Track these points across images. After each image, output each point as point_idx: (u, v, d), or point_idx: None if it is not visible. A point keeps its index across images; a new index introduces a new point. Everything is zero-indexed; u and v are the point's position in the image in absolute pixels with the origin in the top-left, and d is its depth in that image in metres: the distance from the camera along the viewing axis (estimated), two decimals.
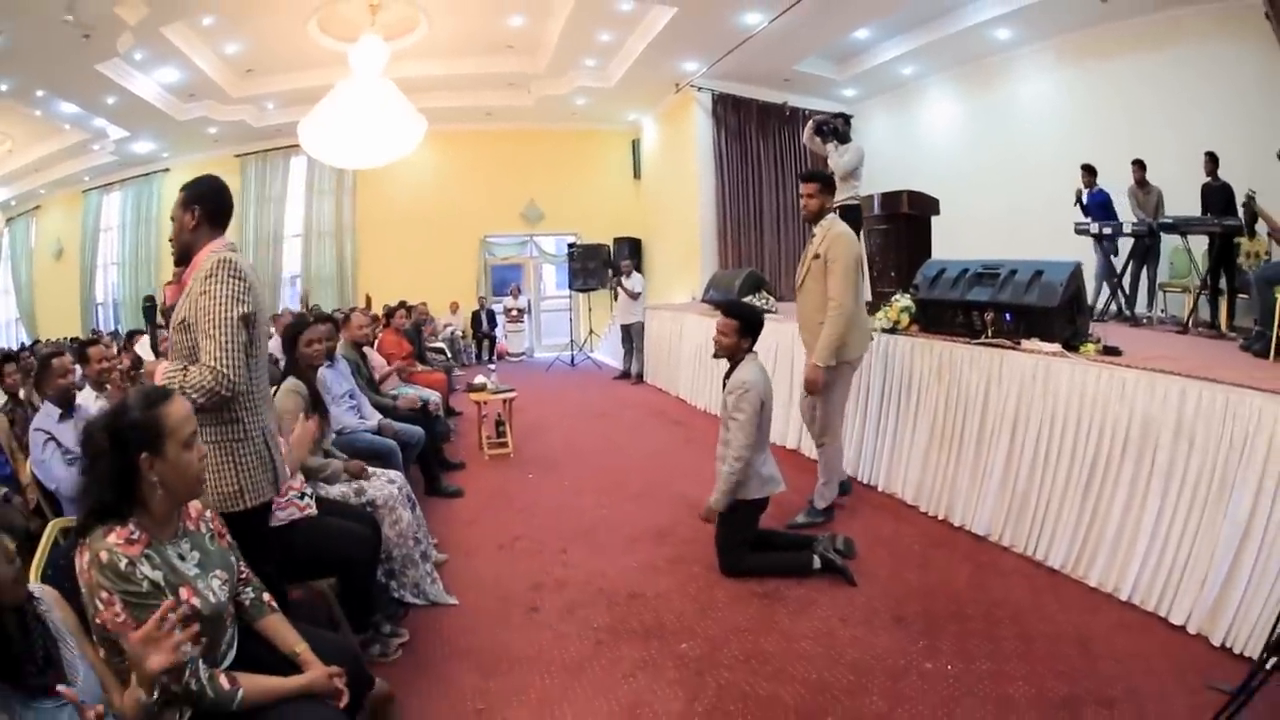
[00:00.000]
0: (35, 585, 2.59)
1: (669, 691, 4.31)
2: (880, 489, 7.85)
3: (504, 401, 10.12)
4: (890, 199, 9.29)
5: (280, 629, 3.18)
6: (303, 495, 4.46)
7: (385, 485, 5.65)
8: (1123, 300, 10.64)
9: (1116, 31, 12.94)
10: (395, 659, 4.80)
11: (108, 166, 21.42)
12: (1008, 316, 6.67)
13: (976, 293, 7.03)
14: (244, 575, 3.22)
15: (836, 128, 10.37)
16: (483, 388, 10.08)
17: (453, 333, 20.12)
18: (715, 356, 6.14)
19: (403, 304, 13.83)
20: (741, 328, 5.89)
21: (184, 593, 2.72)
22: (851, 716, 4.01)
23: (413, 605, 5.44)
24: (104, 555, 2.56)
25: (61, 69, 14.40)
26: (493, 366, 12.84)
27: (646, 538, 6.82)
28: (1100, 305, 10.79)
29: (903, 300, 7.81)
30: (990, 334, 6.73)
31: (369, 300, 19.03)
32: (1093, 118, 13.43)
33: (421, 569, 5.59)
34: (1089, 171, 11.97)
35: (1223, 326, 9.07)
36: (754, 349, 5.99)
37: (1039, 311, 6.37)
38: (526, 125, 21.18)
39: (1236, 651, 4.26)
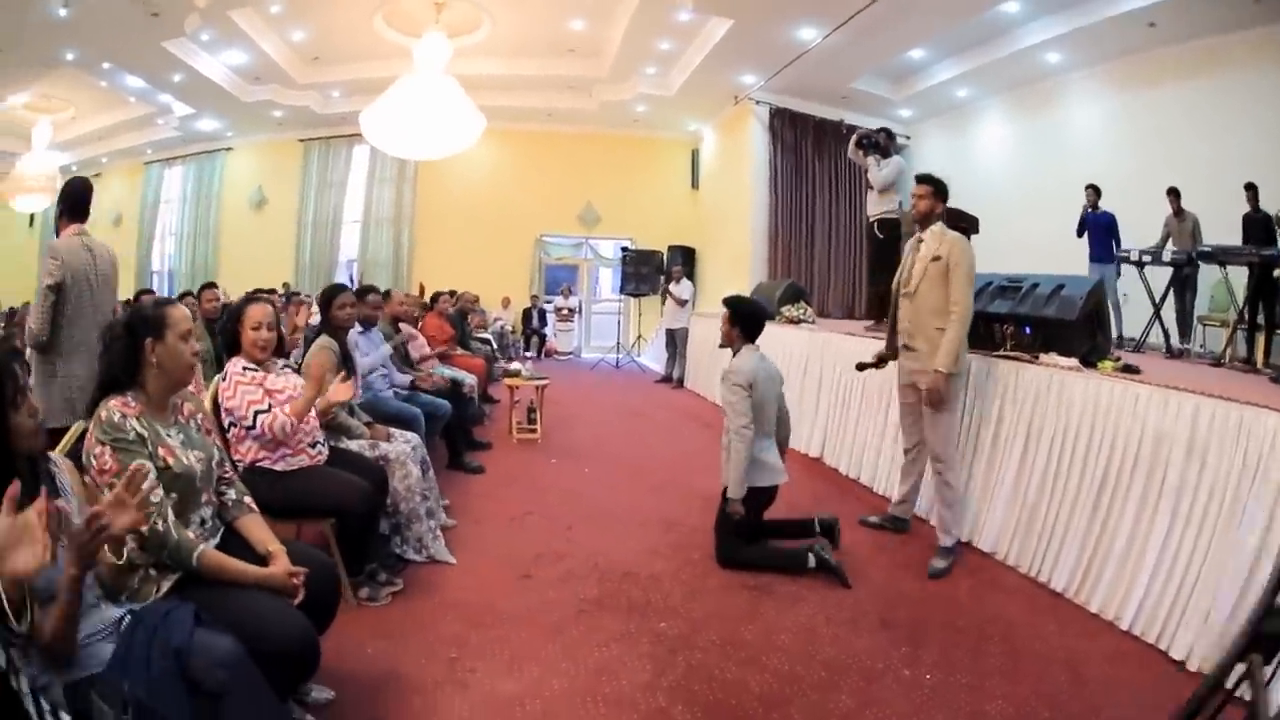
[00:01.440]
0: (53, 454, 2.86)
1: (638, 664, 4.28)
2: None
3: (536, 388, 10.16)
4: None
5: (256, 528, 3.40)
6: (315, 444, 4.85)
7: (400, 444, 5.76)
8: (1163, 332, 10.08)
9: (1162, 58, 12.80)
10: (384, 604, 4.91)
11: (170, 141, 22.03)
12: (1026, 329, 6.57)
13: (998, 305, 6.90)
14: (227, 475, 3.50)
15: (878, 141, 10.52)
16: (517, 373, 10.19)
17: (502, 326, 20.02)
18: (721, 346, 6.23)
19: (451, 292, 14.04)
20: (731, 318, 6.03)
21: (161, 451, 3.03)
22: (816, 711, 3.91)
23: (413, 561, 5.57)
24: (103, 414, 2.95)
25: (128, 44, 14.86)
26: (529, 354, 12.79)
27: (654, 524, 6.82)
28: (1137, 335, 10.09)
29: None
30: (1009, 346, 6.61)
31: (422, 288, 18.12)
32: (1135, 144, 13.27)
33: (426, 524, 5.71)
34: (1094, 191, 11.99)
35: (1259, 362, 8.61)
36: (754, 343, 6.03)
37: (1057, 325, 6.27)
38: (587, 129, 21.37)
39: (1238, 695, 3.70)
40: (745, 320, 6.03)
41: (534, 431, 10.10)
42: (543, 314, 22.01)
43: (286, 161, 22.04)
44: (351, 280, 20.48)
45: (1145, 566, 4.83)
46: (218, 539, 3.27)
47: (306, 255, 21.95)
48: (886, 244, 10.22)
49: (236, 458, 4.57)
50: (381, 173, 21.76)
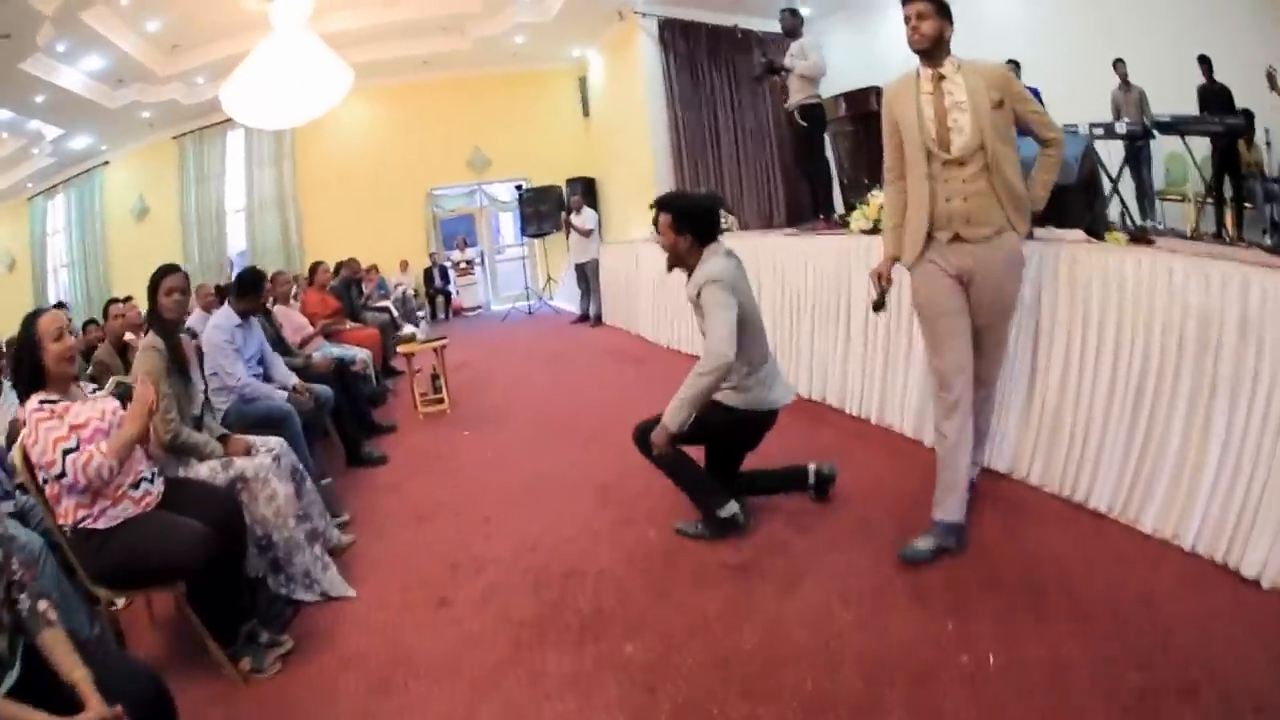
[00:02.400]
0: None
1: (604, 717, 3.13)
2: (873, 421, 6.76)
3: (435, 351, 8.98)
4: (857, 98, 8.54)
5: (56, 650, 2.61)
6: (139, 484, 3.78)
7: (261, 457, 4.65)
8: (1123, 210, 9.18)
9: None
10: (273, 673, 3.83)
11: (48, 170, 20.51)
12: None
13: None
14: (16, 577, 2.66)
15: (773, 65, 10.09)
16: (411, 338, 9.18)
17: (404, 291, 18.85)
18: (668, 269, 4.99)
19: (339, 264, 13.09)
20: (676, 221, 4.68)
21: None
22: None
23: (303, 603, 4.48)
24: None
25: None
26: (430, 317, 11.53)
27: (588, 495, 5.73)
28: None
29: (878, 196, 6.51)
30: None
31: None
32: (1065, 17, 12.18)
33: (309, 553, 4.61)
34: (1012, 66, 10.23)
35: (1228, 237, 7.95)
36: (715, 241, 4.76)
37: (1054, 192, 4.73)
38: (465, 72, 19.95)
39: None
40: (692, 218, 4.72)
41: (441, 402, 8.97)
42: (444, 271, 20.93)
43: (163, 164, 20.57)
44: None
45: (1205, 474, 3.94)
46: (15, 674, 2.53)
47: (195, 256, 20.55)
48: (813, 132, 9.55)
49: (60, 521, 3.62)
50: (259, 155, 20.45)
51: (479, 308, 21.16)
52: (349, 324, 10.34)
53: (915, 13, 4.35)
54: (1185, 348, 4.07)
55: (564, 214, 16.40)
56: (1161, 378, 4.20)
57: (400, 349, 9.29)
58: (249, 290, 6.51)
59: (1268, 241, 6.35)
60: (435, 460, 7.11)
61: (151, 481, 3.87)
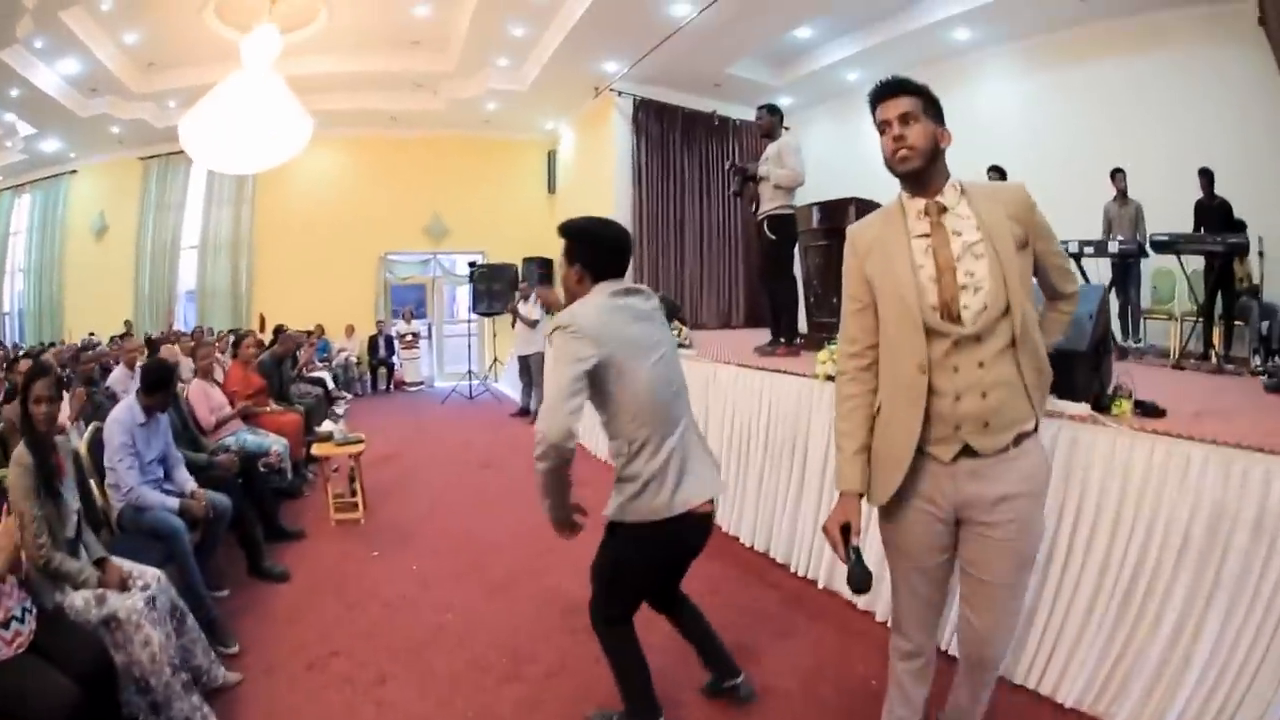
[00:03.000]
0: None
1: None
2: (821, 584, 5.96)
3: (350, 457, 8.17)
4: (834, 210, 7.91)
5: None
6: (9, 623, 3.35)
7: (136, 596, 4.11)
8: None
9: (1093, 34, 11.57)
10: None
11: (19, 166, 20.15)
12: None
13: None
14: None
15: (744, 171, 8.52)
16: (327, 438, 8.23)
17: (347, 359, 18.45)
18: (554, 310, 4.23)
19: (276, 329, 12.64)
20: (568, 248, 3.70)
21: None
22: None
23: None
24: None
25: None
26: (339, 412, 10.67)
27: (495, 662, 4.90)
28: None
29: None
30: None
31: (263, 320, 17.96)
32: (1057, 128, 12.09)
33: (188, 701, 4.05)
34: (997, 174, 10.27)
35: (1214, 357, 7.95)
36: (615, 278, 3.65)
37: (1060, 357, 3.59)
38: (434, 131, 19.47)
39: None
40: (587, 245, 3.69)
41: (355, 509, 8.07)
42: (390, 341, 20.04)
43: (127, 183, 19.96)
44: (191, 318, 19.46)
45: (1189, 676, 3.63)
46: None
47: (145, 286, 19.96)
48: (781, 246, 8.31)
49: None
50: (220, 193, 19.86)
51: (421, 383, 20.34)
52: (271, 406, 9.49)
53: (897, 115, 3.06)
54: (1189, 545, 3.62)
55: (515, 298, 15.10)
56: (1157, 576, 3.73)
57: (315, 449, 8.41)
58: (157, 388, 5.76)
59: (1257, 361, 6.39)
60: (339, 586, 6.32)
61: (22, 620, 3.42)
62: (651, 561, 3.70)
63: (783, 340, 8.24)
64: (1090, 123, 11.63)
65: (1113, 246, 9.21)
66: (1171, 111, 10.65)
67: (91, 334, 17.47)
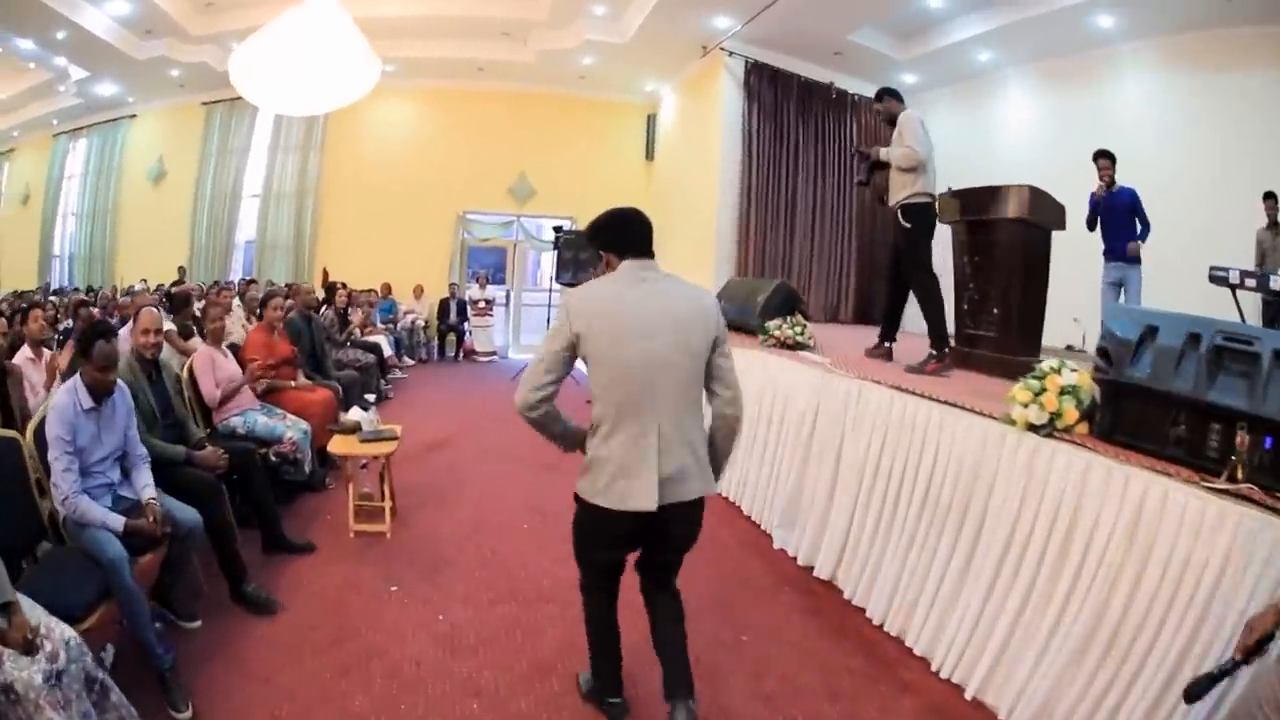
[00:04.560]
0: None
1: None
2: (970, 694, 4.40)
3: (376, 458, 6.64)
4: (992, 197, 6.65)
5: None
6: None
7: (40, 663, 3.19)
8: None
9: (1239, 39, 10.51)
10: None
11: (74, 110, 19.96)
12: (1269, 442, 3.46)
13: (1222, 390, 3.72)
14: None
15: (891, 117, 7.39)
16: (351, 430, 6.63)
17: (414, 322, 17.06)
18: None
19: (331, 285, 11.86)
20: (596, 244, 3.82)
21: None
22: None
23: None
24: None
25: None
26: (371, 399, 8.93)
27: None
28: None
29: (1069, 374, 4.42)
30: (1240, 473, 3.46)
31: (325, 274, 17.12)
32: (1196, 134, 10.89)
33: None
34: (1108, 160, 8.84)
35: None
36: (640, 256, 3.66)
37: None
38: (523, 87, 18.20)
39: None
40: (604, 233, 3.79)
41: (380, 521, 6.46)
42: (462, 306, 18.38)
43: (188, 128, 19.31)
44: (253, 267, 19.11)
45: None
46: None
47: (202, 235, 19.18)
48: (918, 234, 7.13)
49: None
50: (287, 139, 18.82)
51: (494, 353, 18.68)
52: (298, 380, 7.91)
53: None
54: None
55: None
56: None
57: (332, 446, 6.63)
58: (91, 352, 4.23)
59: None
60: (338, 634, 4.77)
61: None
62: (591, 535, 3.78)
63: (933, 353, 6.82)
64: (1239, 138, 10.40)
65: (1276, 283, 7.71)
66: None
67: (144, 280, 16.84)
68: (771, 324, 8.21)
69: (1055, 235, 7.06)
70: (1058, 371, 4.41)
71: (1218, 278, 7.94)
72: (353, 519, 6.34)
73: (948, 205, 7.02)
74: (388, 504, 6.49)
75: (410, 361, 15.69)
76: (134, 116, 19.71)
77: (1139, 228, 8.70)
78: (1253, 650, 2.64)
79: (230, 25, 15.16)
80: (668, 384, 3.47)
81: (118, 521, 4.12)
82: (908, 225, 7.11)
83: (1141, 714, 3.42)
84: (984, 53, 13.51)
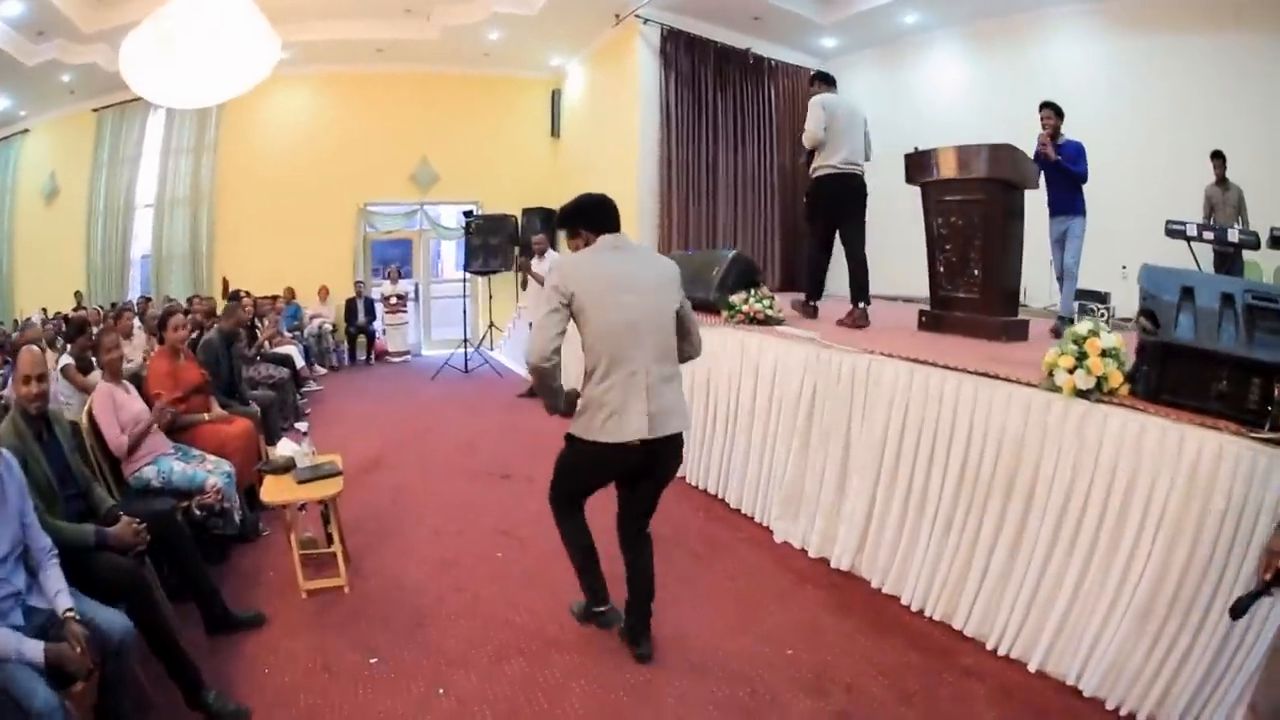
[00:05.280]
0: None
1: None
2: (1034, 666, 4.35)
3: (321, 503, 5.48)
4: (970, 156, 6.63)
5: None
6: None
7: None
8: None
9: (1181, 3, 10.61)
10: None
11: None
12: None
13: (1260, 346, 3.98)
14: None
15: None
16: (284, 469, 5.46)
17: (321, 326, 15.71)
18: None
19: (234, 294, 10.68)
20: (568, 228, 4.44)
21: None
22: None
23: None
24: None
25: None
26: (303, 428, 7.15)
27: None
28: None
29: (1107, 336, 4.40)
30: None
31: (226, 285, 15.62)
32: (1136, 98, 10.98)
33: None
34: (1053, 113, 8.25)
35: None
36: (608, 232, 4.23)
37: None
38: (425, 67, 17.05)
39: None
40: (578, 216, 4.35)
41: (336, 574, 5.29)
42: (370, 305, 17.05)
43: (79, 138, 17.34)
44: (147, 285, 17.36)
45: None
46: None
47: (98, 253, 17.48)
48: (812, 204, 8.40)
49: None
50: (179, 141, 17.14)
51: (407, 353, 17.41)
52: (213, 411, 6.57)
53: None
54: None
55: (518, 253, 13.70)
56: None
57: (265, 494, 5.32)
58: None
59: None
60: None
61: None
62: (585, 468, 4.28)
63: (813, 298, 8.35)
64: (1182, 98, 10.59)
65: (1233, 235, 8.65)
66: (1271, 96, 9.87)
67: (43, 309, 15.35)
68: (735, 299, 7.58)
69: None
70: (1095, 334, 4.36)
71: (1175, 231, 8.66)
72: (301, 575, 5.19)
73: (916, 165, 7.11)
74: (339, 550, 5.35)
75: (322, 370, 14.44)
76: (26, 131, 17.93)
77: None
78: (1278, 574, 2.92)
79: (125, 18, 13.48)
80: (648, 333, 4.03)
81: (35, 651, 3.03)
82: (805, 198, 8.48)
83: (1208, 661, 3.64)
84: (910, 15, 13.14)
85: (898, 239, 8.91)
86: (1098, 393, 4.24)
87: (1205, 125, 10.07)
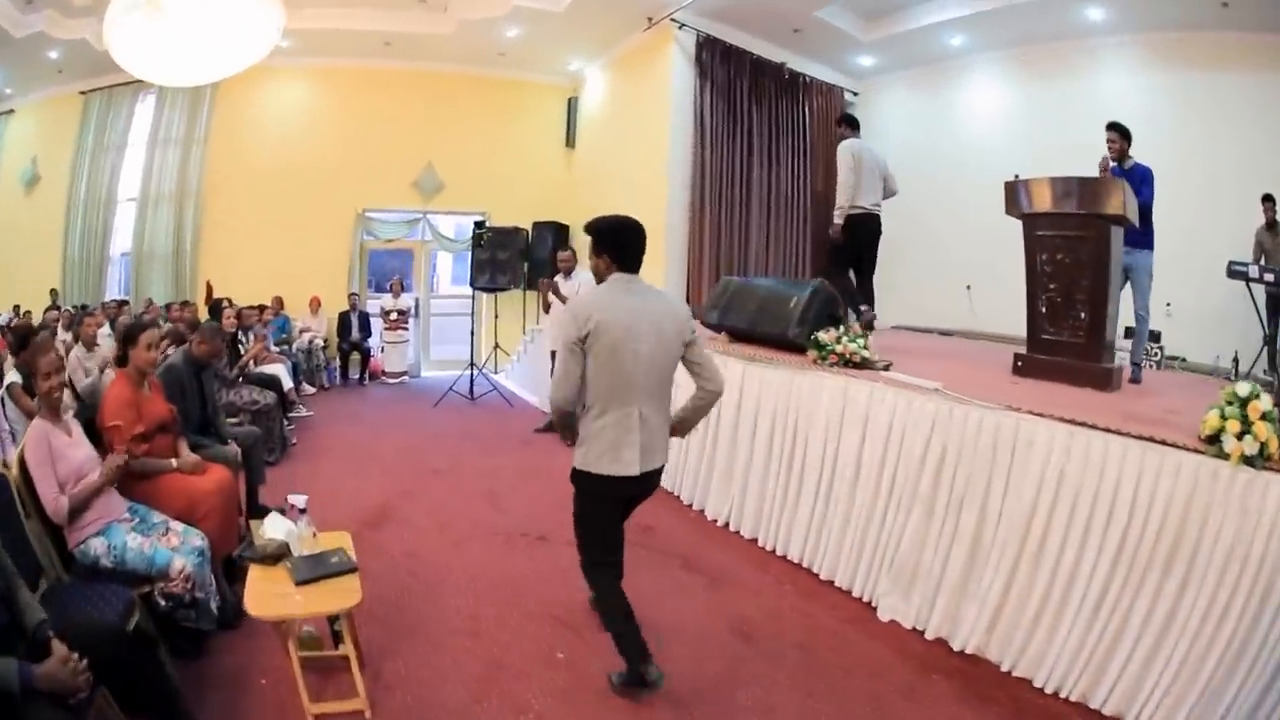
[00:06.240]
0: None
1: None
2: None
3: (333, 621, 4.14)
4: (1088, 191, 6.05)
5: None
6: None
7: None
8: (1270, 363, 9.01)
9: (1230, 42, 10.34)
10: None
11: None
12: None
13: None
14: None
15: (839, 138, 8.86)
16: (277, 556, 4.05)
17: (312, 341, 14.14)
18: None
19: (216, 303, 9.57)
20: (596, 242, 4.25)
21: None
22: None
23: None
24: None
25: None
26: (299, 502, 5.43)
27: None
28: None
29: (1265, 398, 4.04)
30: None
31: (209, 289, 14.45)
32: (1183, 135, 10.38)
33: None
34: (1120, 135, 7.67)
35: None
36: (630, 272, 4.16)
37: None
38: (435, 65, 15.68)
39: None
40: (609, 238, 4.23)
41: (355, 696, 3.78)
42: (366, 319, 15.43)
43: (64, 123, 16.06)
44: (127, 286, 16.05)
45: None
46: None
47: (75, 248, 16.10)
48: (844, 241, 8.61)
49: None
50: (168, 130, 15.76)
51: (405, 373, 15.75)
52: (181, 456, 4.94)
53: None
54: None
55: (526, 269, 13.39)
56: None
57: (250, 602, 3.70)
58: None
59: None
60: None
61: None
62: (598, 502, 4.23)
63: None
64: (1219, 136, 10.35)
65: None
66: None
67: (16, 307, 13.96)
68: (824, 336, 6.44)
69: None
70: (1256, 396, 4.06)
71: (1237, 272, 8.45)
72: (305, 691, 3.69)
73: (1014, 194, 6.53)
74: (353, 657, 3.84)
75: (311, 389, 12.95)
76: (11, 112, 16.63)
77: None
78: None
79: None
80: (648, 379, 4.08)
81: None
82: (838, 236, 8.45)
83: None
84: (957, 37, 12.50)
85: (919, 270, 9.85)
86: (1262, 460, 3.92)
87: (1248, 165, 9.82)
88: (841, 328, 6.62)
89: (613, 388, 4.02)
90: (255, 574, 3.87)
